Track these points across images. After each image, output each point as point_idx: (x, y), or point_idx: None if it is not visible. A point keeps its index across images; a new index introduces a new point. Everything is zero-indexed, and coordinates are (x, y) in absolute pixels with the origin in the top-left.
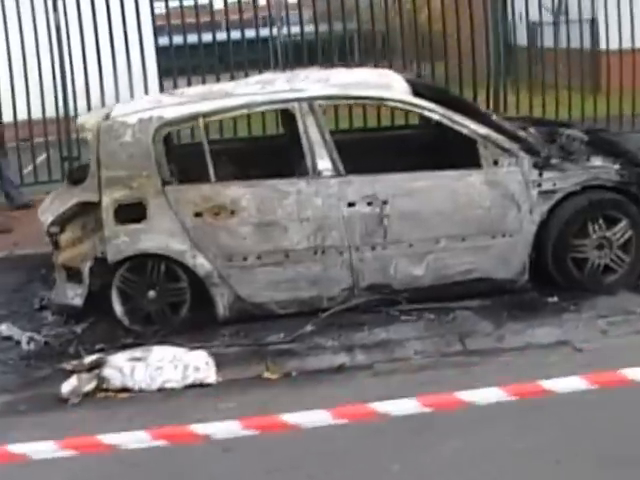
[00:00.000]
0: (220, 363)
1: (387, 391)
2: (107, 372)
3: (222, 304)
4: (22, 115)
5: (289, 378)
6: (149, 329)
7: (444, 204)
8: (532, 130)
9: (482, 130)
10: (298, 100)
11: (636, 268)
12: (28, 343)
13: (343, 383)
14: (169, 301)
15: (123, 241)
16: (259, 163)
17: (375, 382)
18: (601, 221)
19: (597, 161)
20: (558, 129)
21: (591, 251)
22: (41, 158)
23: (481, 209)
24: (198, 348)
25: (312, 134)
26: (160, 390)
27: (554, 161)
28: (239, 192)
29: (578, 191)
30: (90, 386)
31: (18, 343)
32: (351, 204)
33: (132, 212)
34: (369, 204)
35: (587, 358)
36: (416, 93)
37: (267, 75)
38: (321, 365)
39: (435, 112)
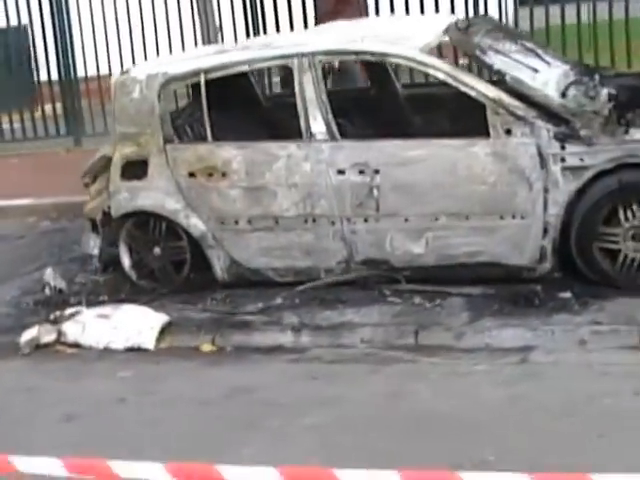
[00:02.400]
0: (178, 329)
1: (293, 379)
2: (66, 326)
3: (219, 267)
4: None
5: (220, 353)
6: (155, 285)
7: (442, 177)
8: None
9: (492, 93)
10: (297, 55)
11: None
12: (43, 289)
13: (261, 365)
14: (171, 259)
15: (124, 197)
16: (262, 124)
17: (293, 368)
18: (635, 207)
19: (637, 134)
20: None
21: (624, 242)
22: None
23: (485, 185)
24: (182, 310)
25: (308, 93)
26: (106, 349)
27: (584, 132)
28: (231, 153)
29: (611, 169)
30: (49, 338)
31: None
32: (341, 171)
33: (137, 169)
34: (361, 172)
35: (518, 373)
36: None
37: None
38: (262, 342)
39: (440, 70)
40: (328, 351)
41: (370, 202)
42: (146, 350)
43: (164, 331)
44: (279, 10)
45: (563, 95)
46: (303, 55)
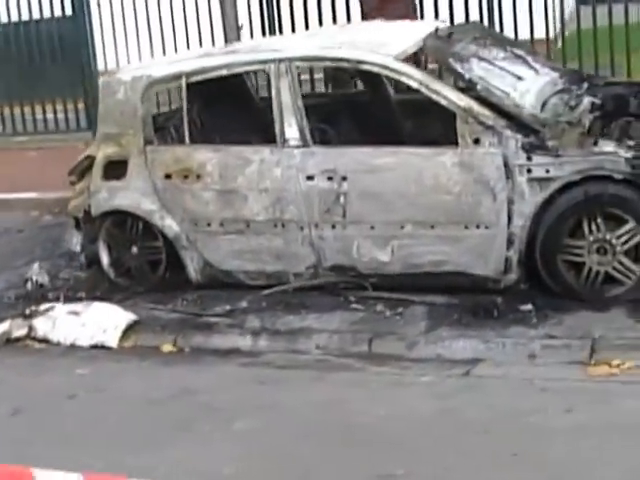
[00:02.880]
0: (143, 328)
1: (239, 383)
2: (37, 321)
3: (193, 268)
4: None
5: (179, 354)
6: (131, 283)
7: (409, 186)
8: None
9: (463, 102)
10: (274, 61)
11: None
12: (25, 284)
13: (213, 368)
14: (148, 259)
15: (103, 196)
16: (241, 128)
17: (244, 371)
18: (600, 220)
19: (607, 146)
20: None
21: (588, 255)
22: None
23: (449, 195)
24: (152, 309)
25: (284, 98)
26: (72, 345)
27: (551, 143)
28: (207, 156)
29: (578, 181)
30: (20, 332)
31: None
32: (310, 177)
33: (118, 169)
34: (329, 179)
35: (459, 386)
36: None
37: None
38: (221, 345)
39: (413, 78)
40: (282, 356)
41: (337, 209)
42: (109, 348)
43: (130, 330)
44: (309, 8)
45: (544, 104)
46: (280, 61)
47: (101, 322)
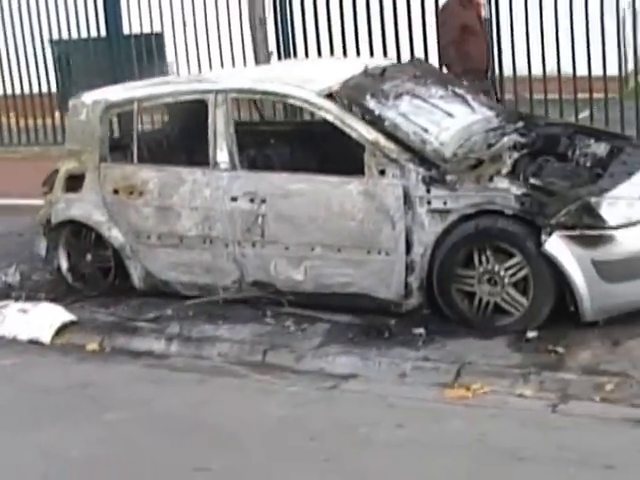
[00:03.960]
0: (78, 328)
1: (134, 380)
2: None
3: (136, 276)
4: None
5: (99, 352)
6: (85, 288)
7: (318, 211)
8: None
9: (371, 135)
10: (213, 92)
11: (535, 314)
12: None
13: (120, 366)
14: (99, 266)
15: (61, 207)
16: (184, 150)
17: (144, 371)
18: (489, 252)
19: (501, 182)
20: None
21: (479, 285)
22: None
23: (354, 221)
24: (94, 312)
25: (219, 126)
26: (14, 339)
27: (449, 177)
28: (149, 175)
29: (473, 215)
30: None
31: None
32: (234, 199)
33: (76, 182)
34: (251, 201)
35: (317, 397)
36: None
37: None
38: (138, 347)
39: (330, 113)
40: (186, 360)
41: (256, 229)
42: (43, 344)
43: (66, 329)
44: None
45: (467, 140)
46: (218, 92)
47: (41, 320)
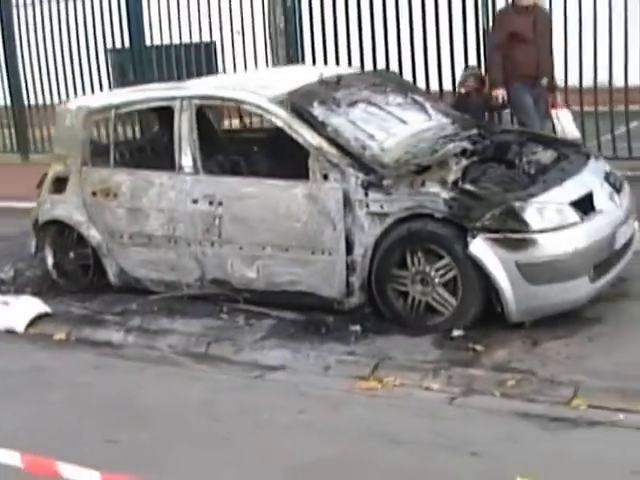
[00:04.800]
0: (51, 319)
1: (79, 366)
2: None
3: (112, 273)
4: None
5: (64, 342)
6: (68, 283)
7: (267, 213)
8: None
9: (315, 141)
10: (179, 98)
11: (463, 313)
12: None
13: (75, 354)
14: (80, 263)
15: (47, 207)
16: (154, 155)
17: (93, 359)
18: (420, 254)
19: (432, 187)
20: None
21: (412, 285)
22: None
23: (298, 223)
24: (70, 305)
25: (183, 131)
26: None
27: (386, 182)
28: (123, 178)
29: (407, 217)
30: None
31: None
32: (195, 201)
33: (62, 184)
34: (210, 203)
35: (240, 385)
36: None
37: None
38: (99, 337)
39: (280, 118)
40: (138, 350)
41: (214, 229)
42: (16, 333)
43: (40, 320)
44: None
45: (413, 147)
46: (183, 98)
47: (17, 311)
